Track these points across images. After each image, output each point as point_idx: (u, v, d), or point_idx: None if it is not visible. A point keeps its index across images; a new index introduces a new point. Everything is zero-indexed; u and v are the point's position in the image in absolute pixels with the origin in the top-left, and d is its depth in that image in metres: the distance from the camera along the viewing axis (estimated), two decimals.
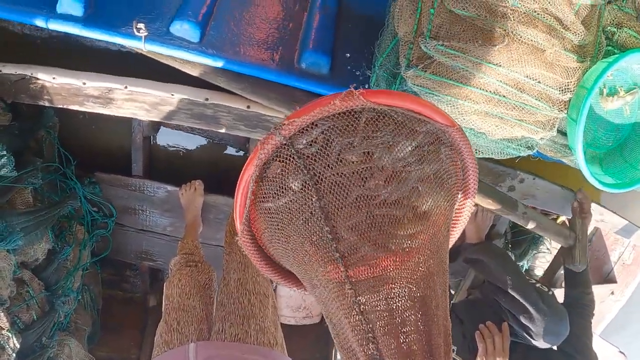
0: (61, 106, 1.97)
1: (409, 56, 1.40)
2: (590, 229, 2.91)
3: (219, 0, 1.72)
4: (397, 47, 1.50)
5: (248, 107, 1.82)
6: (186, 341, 1.78)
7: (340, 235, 0.88)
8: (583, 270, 2.38)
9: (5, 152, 1.95)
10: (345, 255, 0.87)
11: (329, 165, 0.92)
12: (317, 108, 0.92)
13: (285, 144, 0.94)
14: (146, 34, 1.56)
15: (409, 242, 0.89)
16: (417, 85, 1.43)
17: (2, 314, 2.11)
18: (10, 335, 2.13)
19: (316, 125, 0.95)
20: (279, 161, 0.96)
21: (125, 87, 1.86)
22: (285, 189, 0.96)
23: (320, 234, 0.90)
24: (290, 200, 0.96)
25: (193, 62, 1.68)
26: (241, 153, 2.92)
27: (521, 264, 3.30)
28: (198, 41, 1.64)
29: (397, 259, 0.86)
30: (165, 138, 2.90)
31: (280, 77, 1.69)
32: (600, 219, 2.69)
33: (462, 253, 2.59)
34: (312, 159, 0.93)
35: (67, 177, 2.66)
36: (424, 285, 0.84)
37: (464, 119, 1.48)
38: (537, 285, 2.38)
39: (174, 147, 2.94)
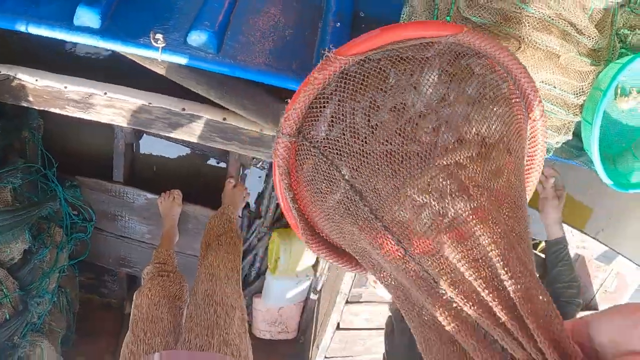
0: (43, 108, 1.99)
1: None
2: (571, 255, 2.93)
3: (235, 9, 1.71)
4: None
5: (224, 119, 1.84)
6: (152, 352, 1.79)
7: (398, 228, 0.79)
8: (561, 252, 2.09)
9: None
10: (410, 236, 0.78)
11: (364, 138, 0.85)
12: (300, 93, 0.89)
13: (295, 141, 0.91)
14: (164, 44, 1.57)
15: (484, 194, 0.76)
16: None
17: None
18: None
19: (323, 106, 0.90)
20: (307, 159, 0.92)
21: (105, 94, 1.88)
22: (324, 190, 0.90)
23: (375, 231, 0.82)
24: (336, 202, 0.89)
25: (177, 67, 1.69)
26: (222, 164, 2.94)
27: None
28: (216, 51, 1.63)
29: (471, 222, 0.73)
30: (148, 145, 2.92)
31: (298, 85, 1.70)
32: (582, 245, 2.68)
33: None
34: (341, 140, 0.87)
35: (49, 178, 2.66)
36: (504, 244, 0.69)
37: None
38: None
39: (156, 155, 2.95)
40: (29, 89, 1.94)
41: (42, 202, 2.56)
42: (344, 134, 0.86)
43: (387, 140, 0.83)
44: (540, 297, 0.62)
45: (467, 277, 0.68)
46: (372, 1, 1.78)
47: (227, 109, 1.80)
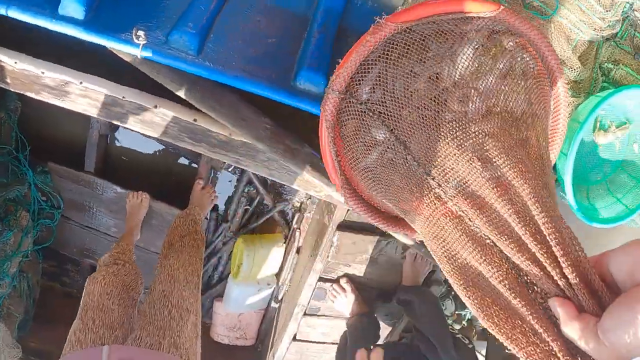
0: (19, 92, 1.99)
1: None
2: None
3: (219, 14, 1.71)
4: None
5: (195, 120, 1.86)
6: (99, 343, 1.78)
7: (438, 172, 0.87)
8: None
9: None
10: (453, 193, 0.84)
11: (402, 103, 0.94)
12: (352, 53, 0.98)
13: (344, 98, 1.00)
14: (145, 42, 1.59)
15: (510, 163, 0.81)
16: None
17: None
18: None
19: (368, 71, 0.99)
20: (351, 119, 1.01)
21: (81, 83, 1.88)
22: (369, 143, 0.99)
23: (417, 178, 0.90)
24: (379, 154, 0.98)
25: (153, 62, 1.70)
26: (194, 165, 2.96)
27: (464, 313, 3.33)
28: (196, 53, 1.64)
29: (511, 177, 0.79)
30: (123, 139, 2.92)
31: (275, 94, 1.66)
32: None
33: (397, 294, 2.65)
34: (381, 103, 0.96)
35: (20, 162, 2.67)
36: (534, 184, 0.76)
37: None
38: (458, 335, 2.43)
39: (131, 149, 2.95)
40: (7, 70, 1.94)
41: (11, 185, 2.56)
42: (384, 98, 0.96)
43: (423, 106, 0.92)
44: (565, 230, 0.70)
45: (502, 213, 0.76)
46: (359, 16, 1.80)
47: (199, 110, 1.82)
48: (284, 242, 2.99)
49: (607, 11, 1.46)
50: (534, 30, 1.00)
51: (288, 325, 2.82)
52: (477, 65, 0.95)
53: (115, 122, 1.91)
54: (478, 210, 0.80)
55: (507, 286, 0.71)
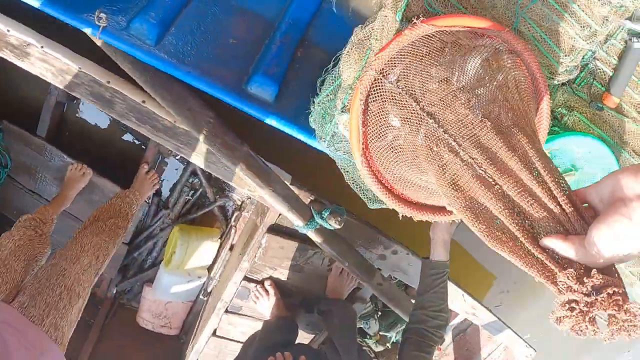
0: None
1: (345, 101, 1.43)
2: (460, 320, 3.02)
3: (185, 8, 1.76)
4: (338, 89, 1.52)
5: (143, 101, 1.91)
6: None
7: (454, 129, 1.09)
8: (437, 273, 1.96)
9: None
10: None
11: (417, 97, 1.14)
12: (393, 41, 1.19)
13: (377, 79, 1.20)
14: (105, 24, 1.63)
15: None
16: (348, 131, 1.45)
17: None
18: None
19: (395, 64, 1.19)
20: (375, 101, 1.21)
21: (42, 47, 1.92)
22: (385, 127, 1.20)
23: (436, 137, 1.11)
24: (394, 137, 1.19)
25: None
26: (144, 147, 2.99)
27: (389, 335, 3.40)
28: (153, 44, 1.67)
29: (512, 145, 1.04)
30: (85, 110, 2.95)
31: (224, 95, 1.72)
32: (472, 312, 2.72)
33: (319, 304, 2.70)
34: (402, 94, 1.16)
35: None
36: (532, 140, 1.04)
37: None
38: (364, 347, 2.50)
39: (87, 122, 2.98)
40: None
41: None
42: (405, 88, 1.16)
43: (432, 104, 1.12)
44: (556, 171, 0.97)
45: (506, 160, 1.01)
46: (324, 32, 1.85)
47: (149, 93, 1.88)
48: (220, 238, 3.05)
49: (566, 55, 1.48)
50: (529, 53, 1.25)
51: (209, 320, 2.86)
52: (481, 73, 1.14)
53: (67, 91, 1.96)
54: (485, 156, 1.02)
55: (505, 215, 0.96)
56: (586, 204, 0.91)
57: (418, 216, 1.34)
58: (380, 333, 3.38)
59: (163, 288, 3.17)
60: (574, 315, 0.82)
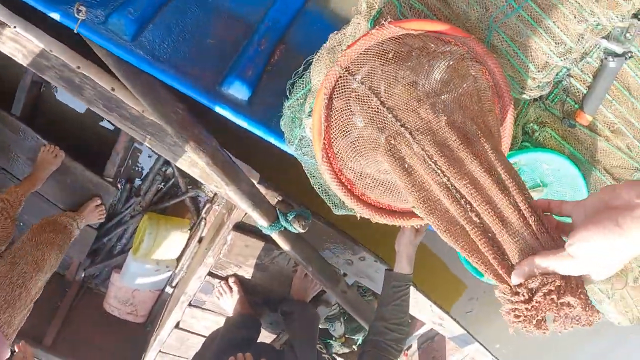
0: None
1: (313, 105, 1.38)
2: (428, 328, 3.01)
3: (165, 6, 1.75)
4: (308, 93, 1.52)
5: (112, 89, 1.89)
6: None
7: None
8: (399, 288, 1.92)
9: None
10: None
11: (382, 99, 1.14)
12: (360, 40, 1.21)
13: (342, 76, 1.20)
14: (84, 18, 1.61)
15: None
16: None
17: None
18: None
19: (362, 65, 1.19)
20: (340, 98, 1.21)
21: (14, 27, 1.91)
22: (348, 126, 1.20)
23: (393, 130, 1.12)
24: (355, 137, 1.19)
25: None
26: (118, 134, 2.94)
27: (355, 338, 3.39)
28: (130, 39, 1.66)
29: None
30: (59, 90, 2.92)
31: (198, 95, 1.72)
32: (440, 322, 2.71)
33: (282, 305, 2.70)
34: (367, 93, 1.16)
35: None
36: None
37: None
38: (323, 354, 2.49)
39: (64, 104, 2.94)
40: None
41: None
42: (371, 88, 1.17)
43: (396, 106, 1.13)
44: (514, 172, 1.01)
45: (466, 163, 1.03)
46: (301, 36, 1.85)
47: (118, 80, 1.86)
48: (190, 229, 3.03)
49: (539, 71, 1.45)
50: (493, 61, 1.27)
51: (173, 312, 2.84)
52: (446, 78, 1.15)
53: (37, 73, 1.94)
54: (446, 159, 1.03)
55: (465, 220, 0.99)
56: (548, 213, 0.94)
57: (376, 218, 1.33)
58: (346, 336, 3.37)
59: (130, 275, 3.16)
60: (520, 322, 0.86)
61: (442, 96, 1.13)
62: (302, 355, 2.28)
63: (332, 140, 1.26)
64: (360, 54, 1.21)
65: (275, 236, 2.07)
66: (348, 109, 1.20)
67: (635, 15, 1.51)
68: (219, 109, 1.74)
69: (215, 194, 2.93)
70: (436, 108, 1.09)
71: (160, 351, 3.13)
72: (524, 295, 0.85)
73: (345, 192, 1.32)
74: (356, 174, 1.28)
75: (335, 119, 1.24)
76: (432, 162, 1.04)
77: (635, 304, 1.98)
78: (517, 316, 0.87)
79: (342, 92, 1.22)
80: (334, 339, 3.31)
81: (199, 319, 2.91)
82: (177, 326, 2.95)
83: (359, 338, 3.39)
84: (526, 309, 0.85)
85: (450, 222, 1.02)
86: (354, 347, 3.43)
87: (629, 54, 1.55)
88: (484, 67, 1.27)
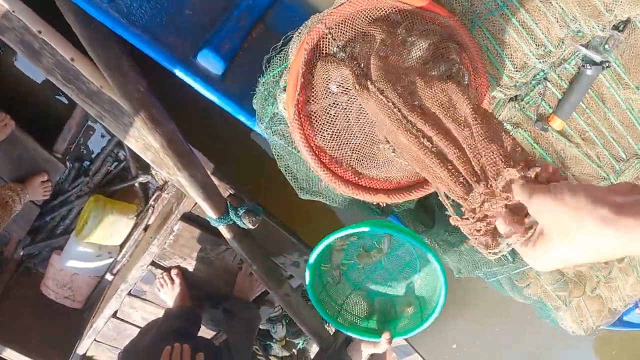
0: None
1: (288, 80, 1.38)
2: None
3: None
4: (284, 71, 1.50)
5: (72, 59, 1.83)
6: None
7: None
8: None
9: None
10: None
11: (361, 68, 1.20)
12: (346, 2, 1.23)
13: (324, 37, 1.23)
14: None
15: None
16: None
17: None
18: None
19: (344, 32, 1.24)
20: (319, 60, 1.24)
21: None
22: (324, 90, 1.25)
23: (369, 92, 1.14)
24: (331, 103, 1.25)
25: None
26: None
27: (296, 342, 3.35)
28: (107, 1, 1.62)
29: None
30: (18, 57, 2.79)
31: (170, 64, 1.68)
32: None
33: (224, 302, 2.65)
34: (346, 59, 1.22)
35: None
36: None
37: None
38: (259, 356, 2.46)
39: (21, 70, 2.82)
40: None
41: None
42: (351, 55, 1.24)
43: (376, 78, 1.14)
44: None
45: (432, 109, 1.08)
46: (281, 18, 1.82)
47: (79, 51, 1.81)
48: (136, 216, 2.95)
49: (517, 71, 1.47)
50: (476, 47, 1.33)
51: (112, 299, 2.77)
52: (427, 57, 1.22)
53: None
54: (429, 125, 1.05)
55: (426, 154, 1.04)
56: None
57: (342, 189, 1.37)
58: (287, 339, 3.34)
59: (71, 258, 3.05)
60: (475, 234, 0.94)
61: (423, 73, 1.17)
62: (238, 356, 2.24)
63: (306, 104, 1.30)
64: (346, 20, 1.25)
65: (222, 229, 2.03)
66: (326, 73, 1.24)
67: (615, 27, 1.55)
68: (190, 81, 1.70)
69: (166, 182, 2.85)
70: (415, 82, 1.14)
71: (95, 340, 3.04)
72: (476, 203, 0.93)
73: (313, 156, 1.33)
74: (327, 140, 1.32)
75: (311, 81, 1.28)
76: (425, 138, 1.07)
77: (590, 314, 2.02)
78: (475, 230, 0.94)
79: (322, 55, 1.26)
80: (274, 340, 3.27)
81: (138, 309, 2.85)
82: (114, 315, 2.88)
83: (300, 342, 3.37)
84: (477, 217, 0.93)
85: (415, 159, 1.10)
86: (294, 350, 3.41)
87: (607, 64, 1.59)
88: (465, 53, 1.32)
